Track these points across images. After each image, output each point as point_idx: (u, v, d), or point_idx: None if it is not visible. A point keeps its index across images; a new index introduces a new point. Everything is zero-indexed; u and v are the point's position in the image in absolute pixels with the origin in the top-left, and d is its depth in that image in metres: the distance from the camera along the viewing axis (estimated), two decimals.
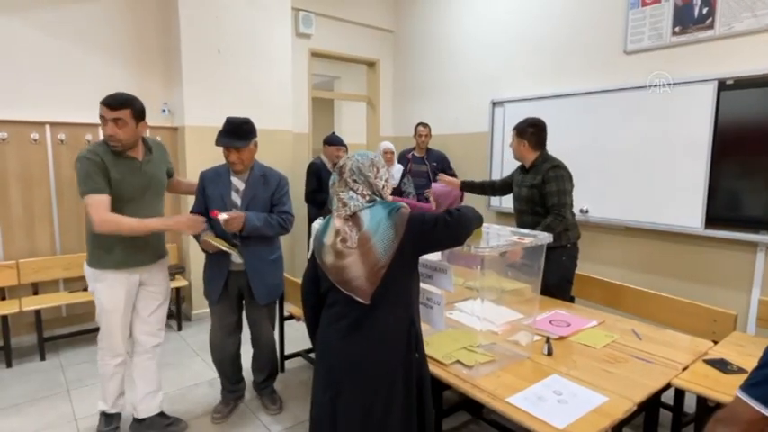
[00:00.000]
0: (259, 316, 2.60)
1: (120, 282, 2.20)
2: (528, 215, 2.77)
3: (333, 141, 4.16)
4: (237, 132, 2.34)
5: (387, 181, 1.59)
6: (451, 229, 1.51)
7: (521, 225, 2.72)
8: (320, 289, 1.60)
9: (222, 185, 2.43)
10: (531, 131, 2.74)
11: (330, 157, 4.12)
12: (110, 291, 2.20)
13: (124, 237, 2.14)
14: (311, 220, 4.20)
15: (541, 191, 2.66)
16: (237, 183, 2.45)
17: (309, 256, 1.68)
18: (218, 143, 2.34)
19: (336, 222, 1.51)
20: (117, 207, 2.09)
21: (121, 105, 2.06)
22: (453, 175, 4.72)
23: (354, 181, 1.53)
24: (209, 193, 2.44)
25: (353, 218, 1.49)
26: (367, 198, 1.52)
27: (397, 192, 4.76)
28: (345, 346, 1.51)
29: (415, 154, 4.74)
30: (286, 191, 2.53)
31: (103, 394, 2.38)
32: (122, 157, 2.14)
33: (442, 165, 4.69)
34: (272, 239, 2.52)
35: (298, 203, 4.03)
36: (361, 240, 1.45)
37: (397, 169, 4.62)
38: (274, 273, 2.57)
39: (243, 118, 2.39)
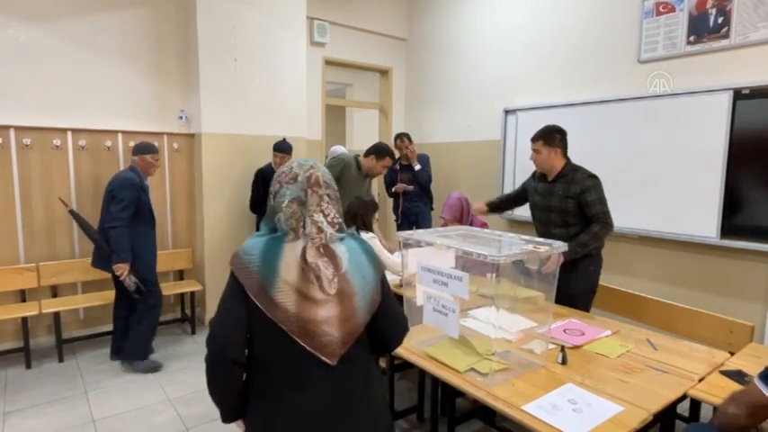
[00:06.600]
0: None
1: None
2: (558, 227, 2.64)
3: (284, 148, 3.89)
4: None
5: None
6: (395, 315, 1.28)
7: (548, 237, 2.31)
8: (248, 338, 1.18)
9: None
10: (559, 138, 2.63)
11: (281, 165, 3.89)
12: None
13: None
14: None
15: (580, 200, 2.56)
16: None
17: (228, 293, 1.18)
18: None
19: (310, 252, 1.14)
20: None
21: None
22: (429, 175, 4.69)
23: (330, 199, 1.21)
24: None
25: (327, 250, 1.16)
26: (338, 226, 1.22)
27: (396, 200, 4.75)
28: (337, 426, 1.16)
29: (402, 162, 4.69)
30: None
31: None
32: None
33: (424, 165, 4.66)
34: None
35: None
36: (341, 285, 1.14)
37: None
38: None
39: None
